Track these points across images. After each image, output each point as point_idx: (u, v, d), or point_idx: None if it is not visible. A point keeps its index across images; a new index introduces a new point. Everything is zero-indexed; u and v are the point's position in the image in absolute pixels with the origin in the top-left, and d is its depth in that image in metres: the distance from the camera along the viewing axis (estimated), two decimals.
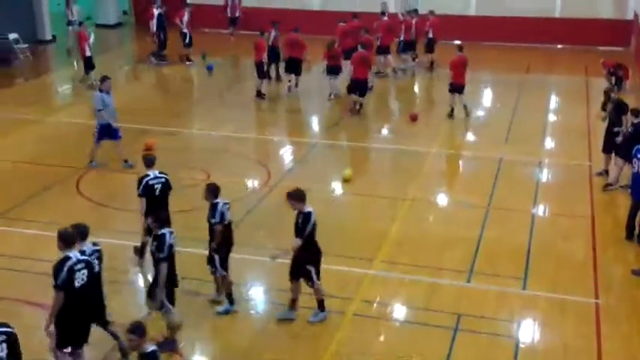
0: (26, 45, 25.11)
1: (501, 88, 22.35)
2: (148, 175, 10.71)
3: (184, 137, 17.34)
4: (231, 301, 9.95)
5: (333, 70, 20.08)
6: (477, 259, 11.39)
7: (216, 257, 9.81)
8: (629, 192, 12.47)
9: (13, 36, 24.74)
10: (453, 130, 18.02)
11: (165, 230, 8.90)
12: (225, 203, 9.84)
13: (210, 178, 14.41)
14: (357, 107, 18.79)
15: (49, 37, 27.41)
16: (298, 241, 9.25)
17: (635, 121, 13.44)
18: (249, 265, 11.27)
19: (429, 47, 23.62)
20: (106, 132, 14.65)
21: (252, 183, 14.52)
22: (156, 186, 10.71)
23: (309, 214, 9.23)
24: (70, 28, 24.98)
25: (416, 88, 22.89)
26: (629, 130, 13.51)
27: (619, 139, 13.90)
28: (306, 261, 9.41)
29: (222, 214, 9.72)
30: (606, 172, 14.41)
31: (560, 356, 9.10)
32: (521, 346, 9.32)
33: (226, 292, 9.99)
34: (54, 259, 10.30)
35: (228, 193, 13.55)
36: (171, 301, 9.01)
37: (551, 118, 19.37)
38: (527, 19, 27.21)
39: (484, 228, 12.45)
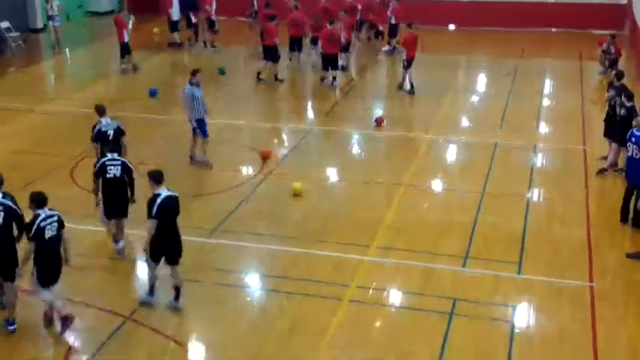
0: (18, 33, 24.98)
1: (496, 73, 22.32)
2: (100, 122, 12.28)
3: (177, 126, 17.28)
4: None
5: (317, 41, 21.12)
6: (473, 244, 11.42)
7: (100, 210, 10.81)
8: (624, 175, 12.50)
9: (4, 24, 24.58)
10: (447, 116, 18.01)
11: (41, 212, 8.74)
12: (113, 160, 10.63)
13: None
14: (331, 80, 20.01)
15: (40, 25, 27.23)
16: (150, 222, 9.26)
17: (628, 104, 13.44)
18: (245, 253, 11.28)
19: (393, 32, 23.98)
20: (200, 126, 14.19)
21: (247, 170, 14.50)
22: (109, 132, 12.16)
23: (154, 196, 9.28)
24: (51, 23, 24.69)
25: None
26: (622, 113, 13.50)
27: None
28: (153, 241, 9.41)
29: (101, 169, 10.57)
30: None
31: (556, 340, 9.14)
32: (517, 330, 9.36)
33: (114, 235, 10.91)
34: None
35: (224, 181, 13.70)
36: (45, 283, 8.91)
37: (546, 102, 19.37)
38: (521, 3, 27.20)
39: (479, 213, 12.47)
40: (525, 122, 17.35)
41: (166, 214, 9.30)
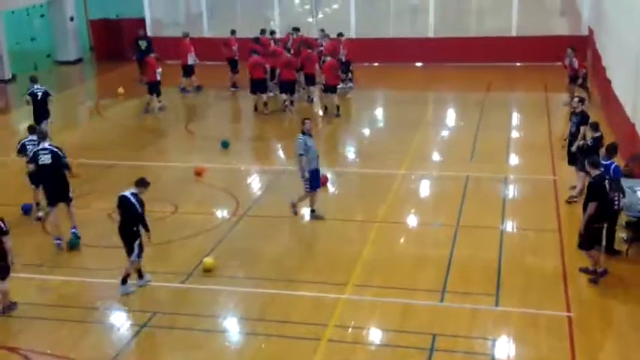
0: None
1: (464, 107, 22.62)
2: (32, 87, 17.75)
3: (150, 170, 17.21)
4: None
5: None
6: (449, 278, 11.44)
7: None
8: None
9: None
10: (419, 151, 18.16)
11: None
12: (43, 149, 12.68)
13: (178, 210, 14.37)
14: (288, 104, 21.43)
15: (8, 76, 27.11)
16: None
17: (595, 134, 13.69)
18: (222, 296, 11.18)
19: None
20: (315, 178, 13.59)
21: (222, 213, 14.45)
22: (38, 93, 17.71)
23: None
24: None
25: (372, 109, 23.06)
26: (589, 142, 13.74)
27: (573, 149, 14.24)
28: None
29: (33, 155, 12.75)
30: None
31: None
32: None
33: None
34: (23, 300, 10.17)
35: (198, 224, 13.62)
36: None
37: (514, 134, 19.63)
38: (485, 38, 27.68)
39: (454, 246, 12.53)
40: (495, 154, 17.54)
41: (122, 209, 11.13)
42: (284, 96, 21.54)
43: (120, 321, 10.59)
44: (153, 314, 10.54)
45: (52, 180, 12.71)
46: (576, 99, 15.22)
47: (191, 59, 24.16)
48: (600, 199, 10.95)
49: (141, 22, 30.28)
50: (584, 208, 11.16)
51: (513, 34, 27.79)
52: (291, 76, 21.49)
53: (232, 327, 10.49)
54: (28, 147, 13.41)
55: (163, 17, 31.20)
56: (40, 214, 13.83)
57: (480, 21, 29.01)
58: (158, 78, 22.05)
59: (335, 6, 31.86)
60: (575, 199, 14.02)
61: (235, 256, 12.44)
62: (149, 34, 29.55)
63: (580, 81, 20.75)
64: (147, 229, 11.18)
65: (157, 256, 12.34)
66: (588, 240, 11.14)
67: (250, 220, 13.98)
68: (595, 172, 11.17)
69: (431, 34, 28.46)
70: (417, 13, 29.59)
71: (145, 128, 21.30)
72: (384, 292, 11.07)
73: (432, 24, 28.38)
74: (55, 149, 12.64)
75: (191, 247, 12.78)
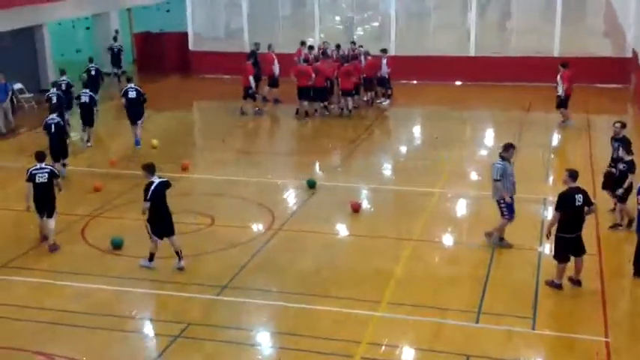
0: (31, 95, 25.34)
1: (503, 127, 22.41)
2: (89, 65, 23.70)
3: (186, 182, 17.36)
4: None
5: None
6: (485, 298, 11.29)
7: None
8: (635, 229, 12.39)
9: (17, 86, 24.93)
10: (456, 169, 18.02)
11: (37, 164, 13.20)
12: (83, 92, 19.71)
13: (214, 223, 14.44)
14: (319, 109, 23.13)
15: None
16: (145, 204, 11.96)
17: (627, 158, 13.50)
18: (255, 310, 11.18)
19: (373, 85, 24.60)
20: (508, 204, 13.04)
21: (257, 226, 14.48)
22: (91, 69, 23.70)
23: (150, 183, 11.94)
24: None
25: (410, 126, 23.01)
26: (622, 167, 13.57)
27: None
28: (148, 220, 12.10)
29: (124, 92, 18.63)
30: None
31: None
32: None
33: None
34: (57, 307, 10.28)
35: (234, 237, 13.66)
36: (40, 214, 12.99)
37: (554, 155, 19.37)
38: (526, 58, 27.44)
39: (491, 267, 12.37)
40: (534, 175, 17.28)
41: (158, 197, 11.92)
42: (304, 103, 22.90)
43: (153, 331, 10.65)
44: (186, 326, 10.58)
45: (136, 107, 19.61)
46: (618, 124, 14.94)
47: (276, 70, 24.55)
48: (567, 210, 11.29)
49: (183, 36, 30.71)
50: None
51: (555, 54, 27.49)
52: (322, 83, 22.72)
53: (264, 340, 10.47)
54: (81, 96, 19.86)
55: (204, 32, 31.57)
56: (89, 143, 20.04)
57: (521, 41, 28.74)
58: (251, 84, 23.16)
59: (375, 23, 31.92)
60: (620, 227, 13.76)
61: (269, 270, 12.45)
62: (191, 48, 30.03)
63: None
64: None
65: (191, 267, 12.41)
66: (562, 250, 11.39)
67: (285, 235, 13.98)
68: (571, 184, 11.50)
69: (472, 53, 28.33)
70: (458, 31, 29.48)
71: (183, 140, 21.50)
72: (418, 310, 10.96)
73: (473, 42, 28.26)
74: (138, 87, 19.79)
75: (225, 259, 12.82)
